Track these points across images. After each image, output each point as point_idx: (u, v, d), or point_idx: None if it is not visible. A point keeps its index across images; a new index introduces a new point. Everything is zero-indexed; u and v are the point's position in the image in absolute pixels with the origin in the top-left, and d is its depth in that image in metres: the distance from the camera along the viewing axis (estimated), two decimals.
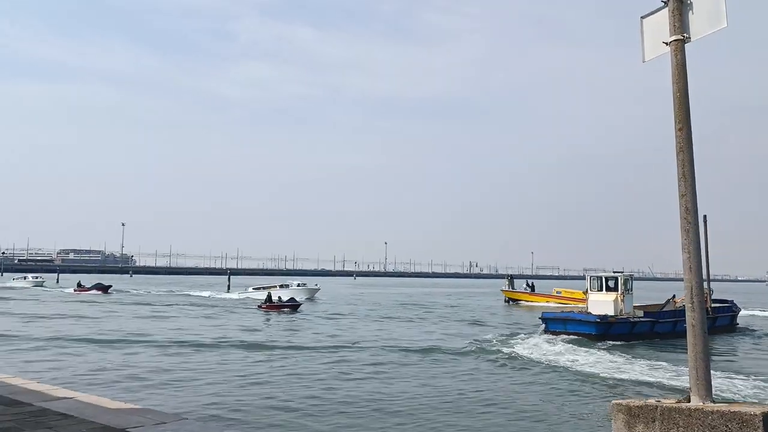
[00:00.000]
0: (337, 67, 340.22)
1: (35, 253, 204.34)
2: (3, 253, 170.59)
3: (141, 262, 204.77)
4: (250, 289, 66.14)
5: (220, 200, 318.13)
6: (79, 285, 72.08)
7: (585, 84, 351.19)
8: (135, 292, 71.95)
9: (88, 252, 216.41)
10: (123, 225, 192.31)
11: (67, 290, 71.92)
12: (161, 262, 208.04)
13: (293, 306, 45.28)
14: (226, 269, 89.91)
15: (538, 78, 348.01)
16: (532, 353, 24.09)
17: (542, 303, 53.97)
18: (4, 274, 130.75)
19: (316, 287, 66.88)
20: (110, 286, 70.80)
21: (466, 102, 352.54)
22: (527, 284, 63.82)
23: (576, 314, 30.91)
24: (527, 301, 58.19)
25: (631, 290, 31.04)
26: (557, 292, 57.10)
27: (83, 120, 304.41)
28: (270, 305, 45.11)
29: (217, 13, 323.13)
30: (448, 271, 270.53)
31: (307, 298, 59.83)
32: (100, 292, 67.02)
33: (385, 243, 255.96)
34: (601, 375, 19.51)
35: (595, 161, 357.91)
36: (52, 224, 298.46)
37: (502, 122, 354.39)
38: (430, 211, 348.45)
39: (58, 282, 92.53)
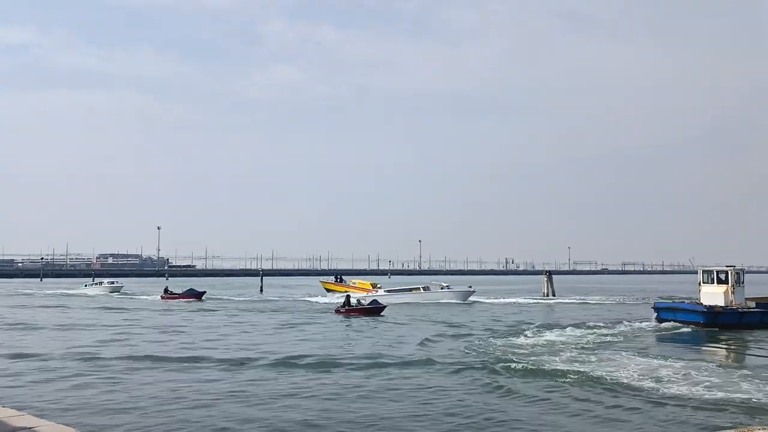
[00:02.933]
0: (363, 67, 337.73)
1: (75, 258, 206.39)
2: (43, 258, 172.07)
3: (177, 264, 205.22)
4: (382, 291, 56.53)
5: (252, 202, 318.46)
6: (166, 291, 64.16)
7: (623, 76, 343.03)
8: (227, 297, 64.95)
9: (126, 256, 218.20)
10: (159, 228, 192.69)
11: (148, 298, 64.65)
12: (198, 265, 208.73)
13: (376, 309, 41.12)
14: (260, 270, 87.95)
15: (572, 72, 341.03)
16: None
17: (343, 291, 65.18)
18: (43, 279, 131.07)
19: (471, 289, 58.85)
20: (204, 292, 62.52)
21: (495, 97, 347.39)
22: (336, 277, 79.78)
23: (686, 304, 34.53)
24: (335, 291, 70.30)
25: (742, 283, 33.31)
26: (353, 283, 71.39)
27: (114, 126, 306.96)
28: (349, 309, 41.16)
29: (244, 17, 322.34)
30: (483, 268, 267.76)
31: (461, 302, 54.00)
32: (193, 300, 58.78)
33: (419, 241, 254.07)
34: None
35: (635, 153, 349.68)
36: (90, 229, 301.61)
37: (533, 117, 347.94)
38: (463, 207, 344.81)
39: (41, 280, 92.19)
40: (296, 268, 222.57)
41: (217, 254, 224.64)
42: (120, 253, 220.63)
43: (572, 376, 17.74)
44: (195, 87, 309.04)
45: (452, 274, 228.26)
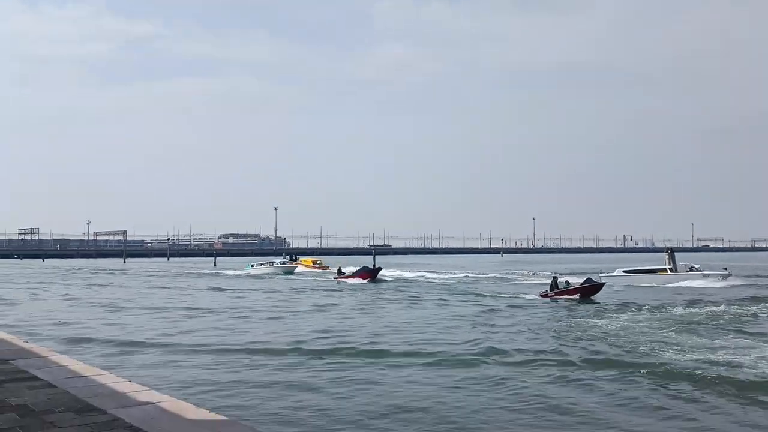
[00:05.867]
0: (471, 41, 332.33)
1: (198, 239, 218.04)
2: (169, 239, 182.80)
3: (294, 244, 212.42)
4: (620, 272, 51.20)
5: (366, 181, 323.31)
6: (339, 272, 59.66)
7: (748, 41, 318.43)
8: (392, 276, 60.28)
9: (245, 236, 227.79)
10: (276, 209, 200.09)
11: (311, 279, 60.28)
12: (312, 244, 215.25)
13: (591, 289, 36.49)
14: (371, 248, 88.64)
15: (690, 39, 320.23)
16: None
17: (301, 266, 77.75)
18: (169, 258, 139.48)
19: (726, 271, 49.53)
20: (379, 269, 56.43)
21: (606, 67, 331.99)
22: (291, 256, 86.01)
23: None
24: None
25: None
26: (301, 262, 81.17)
27: (231, 110, 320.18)
28: (559, 292, 36.18)
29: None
30: (600, 245, 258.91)
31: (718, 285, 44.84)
32: (365, 280, 53.31)
33: (533, 219, 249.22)
34: None
35: (763, 123, 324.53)
36: (212, 211, 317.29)
37: (650, 87, 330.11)
38: (579, 183, 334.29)
39: (215, 266, 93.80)
40: (408, 246, 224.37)
41: (332, 234, 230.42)
42: (240, 233, 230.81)
43: None
44: (306, 69, 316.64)
45: (567, 252, 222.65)
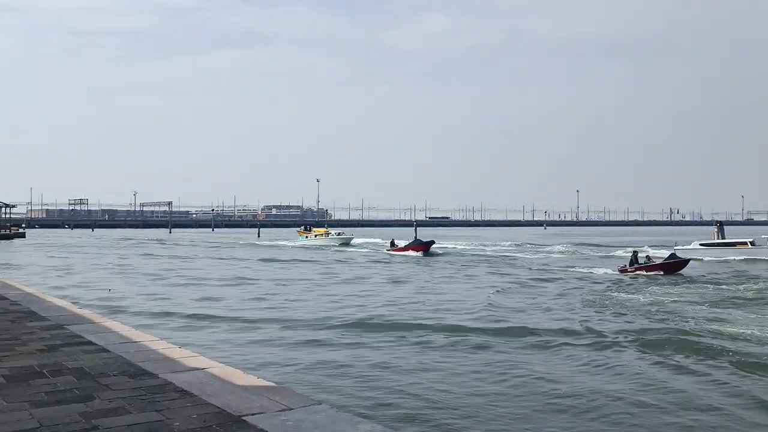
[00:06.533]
0: (515, 10, 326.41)
1: (242, 210, 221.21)
2: (213, 210, 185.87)
3: (336, 215, 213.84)
4: (696, 245, 48.74)
5: (407, 153, 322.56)
6: (392, 244, 58.52)
7: None
8: (445, 248, 58.82)
9: (288, 207, 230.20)
10: (318, 181, 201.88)
11: (364, 250, 59.39)
12: (354, 215, 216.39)
13: (676, 265, 34.21)
14: (413, 221, 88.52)
15: (744, 6, 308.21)
16: None
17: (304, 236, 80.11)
18: (214, 229, 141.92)
19: None
20: (432, 242, 54.61)
21: (659, 38, 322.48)
22: (305, 227, 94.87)
23: None
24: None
25: None
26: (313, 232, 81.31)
27: (273, 82, 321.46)
28: (639, 267, 33.94)
29: None
30: (646, 218, 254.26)
31: None
32: (419, 253, 51.89)
33: (577, 191, 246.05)
34: None
35: None
36: (255, 182, 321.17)
37: (702, 58, 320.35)
38: (625, 155, 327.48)
39: (259, 236, 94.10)
40: (426, 218, 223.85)
41: (373, 205, 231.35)
42: (282, 204, 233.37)
43: None
44: (348, 40, 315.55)
45: (612, 225, 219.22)
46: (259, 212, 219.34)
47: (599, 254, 54.16)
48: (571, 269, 37.93)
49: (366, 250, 61.67)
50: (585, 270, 37.37)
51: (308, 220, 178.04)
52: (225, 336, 16.33)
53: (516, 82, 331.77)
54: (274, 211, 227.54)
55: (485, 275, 34.46)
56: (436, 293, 25.91)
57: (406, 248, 54.75)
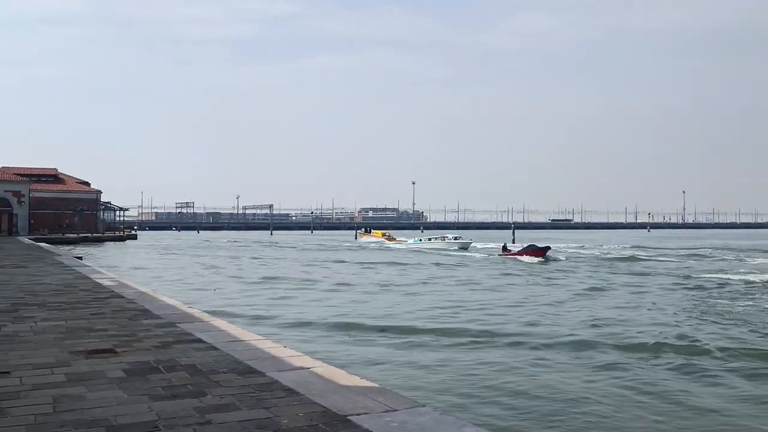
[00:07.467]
0: (616, 6, 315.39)
1: (340, 212, 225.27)
2: (312, 212, 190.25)
3: (431, 218, 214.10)
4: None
5: (502, 154, 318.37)
6: (504, 248, 54.40)
7: None
8: (567, 254, 54.51)
9: (384, 210, 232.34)
10: (413, 183, 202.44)
11: (477, 255, 55.11)
12: (450, 218, 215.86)
13: None
14: (511, 223, 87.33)
15: None
16: None
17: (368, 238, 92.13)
18: (313, 231, 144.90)
19: None
20: (548, 248, 50.97)
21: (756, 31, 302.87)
22: (365, 229, 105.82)
23: None
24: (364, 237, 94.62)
25: None
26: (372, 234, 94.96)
27: (368, 85, 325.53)
28: None
29: None
30: (758, 221, 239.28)
31: None
32: (537, 258, 47.80)
33: (683, 192, 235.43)
34: None
35: None
36: (352, 185, 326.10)
37: None
38: (732, 151, 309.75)
39: (356, 239, 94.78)
40: (547, 221, 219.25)
41: (469, 207, 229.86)
42: (378, 207, 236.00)
43: None
44: (442, 41, 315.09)
45: (720, 228, 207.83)
46: (356, 214, 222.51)
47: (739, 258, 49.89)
48: (710, 275, 33.18)
49: (482, 255, 55.89)
50: (723, 276, 32.53)
51: (403, 223, 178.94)
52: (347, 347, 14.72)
53: (616, 75, 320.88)
54: (370, 213, 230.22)
55: (652, 286, 28.82)
56: (608, 307, 21.71)
57: (520, 253, 51.20)
